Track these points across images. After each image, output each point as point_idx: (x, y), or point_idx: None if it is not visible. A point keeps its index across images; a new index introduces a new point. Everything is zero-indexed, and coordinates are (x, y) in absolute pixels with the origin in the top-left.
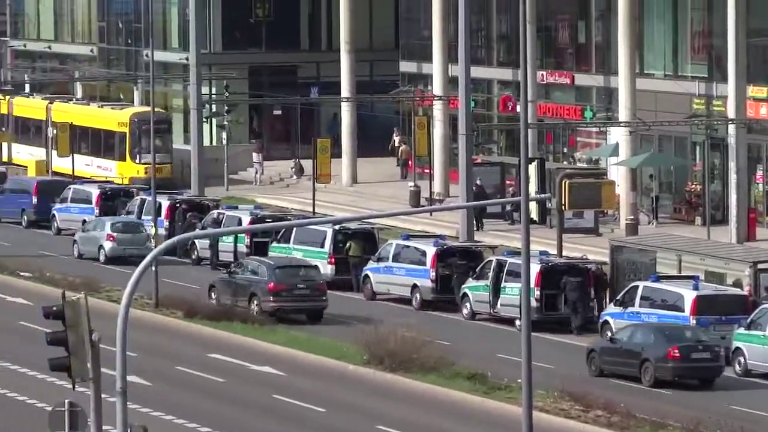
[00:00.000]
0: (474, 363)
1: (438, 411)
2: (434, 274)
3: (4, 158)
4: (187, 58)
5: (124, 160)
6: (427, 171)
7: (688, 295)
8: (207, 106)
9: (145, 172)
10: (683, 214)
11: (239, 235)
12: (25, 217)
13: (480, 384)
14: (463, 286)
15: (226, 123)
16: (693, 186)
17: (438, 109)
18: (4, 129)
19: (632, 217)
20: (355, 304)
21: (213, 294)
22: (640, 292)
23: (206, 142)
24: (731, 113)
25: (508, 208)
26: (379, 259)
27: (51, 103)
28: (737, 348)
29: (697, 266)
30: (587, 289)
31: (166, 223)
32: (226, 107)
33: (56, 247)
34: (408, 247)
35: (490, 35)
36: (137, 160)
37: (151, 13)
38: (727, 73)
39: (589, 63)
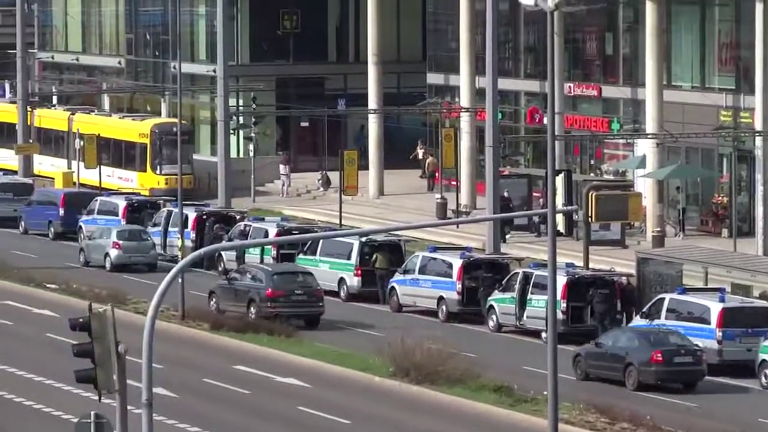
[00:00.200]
0: (500, 375)
1: (464, 423)
2: (461, 286)
3: (35, 170)
4: (214, 70)
5: (145, 171)
6: (453, 183)
7: (715, 308)
8: (234, 117)
9: (165, 183)
10: (710, 226)
11: (266, 247)
12: (52, 229)
13: (506, 396)
14: (489, 298)
15: (253, 135)
16: (720, 198)
17: (465, 121)
18: (31, 141)
19: (659, 229)
20: (381, 317)
21: (213, 300)
22: (666, 304)
23: (233, 154)
24: (758, 125)
25: (535, 220)
26: (405, 272)
27: (73, 114)
28: (763, 360)
29: (723, 278)
30: (614, 301)
31: (192, 235)
32: (253, 119)
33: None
34: (434, 259)
35: (518, 47)
36: (158, 171)
37: (179, 25)
38: (755, 85)
39: (617, 75)
